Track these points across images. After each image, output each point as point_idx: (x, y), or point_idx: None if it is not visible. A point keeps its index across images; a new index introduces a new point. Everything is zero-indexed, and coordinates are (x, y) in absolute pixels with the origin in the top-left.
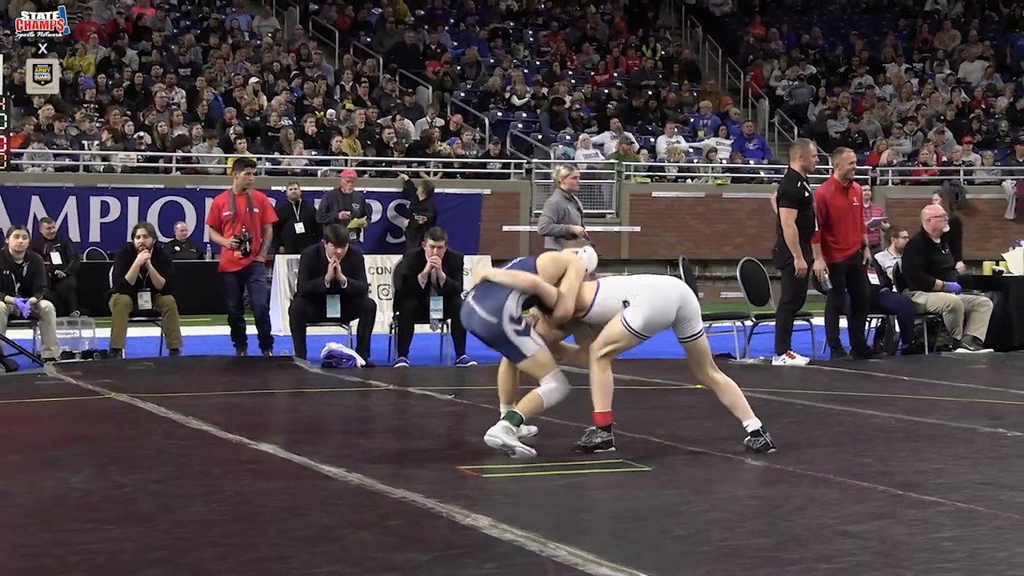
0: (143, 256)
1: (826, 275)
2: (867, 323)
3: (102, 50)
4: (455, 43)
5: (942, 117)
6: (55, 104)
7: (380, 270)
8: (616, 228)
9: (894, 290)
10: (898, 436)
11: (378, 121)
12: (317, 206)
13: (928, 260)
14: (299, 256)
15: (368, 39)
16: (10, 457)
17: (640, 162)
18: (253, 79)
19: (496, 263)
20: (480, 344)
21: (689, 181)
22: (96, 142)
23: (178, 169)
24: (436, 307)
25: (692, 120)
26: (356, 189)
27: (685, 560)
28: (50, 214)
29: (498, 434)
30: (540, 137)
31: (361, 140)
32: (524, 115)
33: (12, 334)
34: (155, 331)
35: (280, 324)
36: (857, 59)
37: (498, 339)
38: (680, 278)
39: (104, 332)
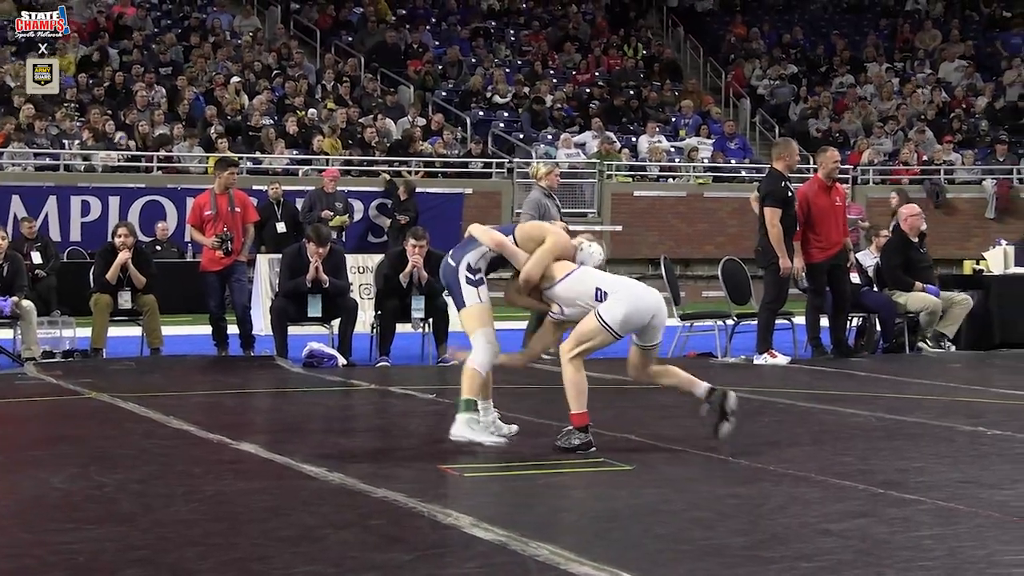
0: (124, 255)
1: (802, 274)
2: (848, 322)
3: (83, 49)
4: (437, 42)
5: (923, 117)
6: (36, 103)
7: (362, 269)
8: (598, 227)
9: (875, 289)
10: (879, 435)
11: (360, 120)
12: (299, 205)
13: (906, 259)
14: (280, 255)
15: (350, 38)
16: None
17: (622, 161)
18: (234, 78)
19: None
20: (462, 343)
21: (671, 180)
22: (77, 141)
23: (159, 169)
24: (418, 306)
25: (673, 119)
26: (338, 188)
27: (666, 559)
28: (31, 214)
29: (461, 431)
30: (522, 136)
31: (342, 140)
32: (506, 114)
33: None
34: (136, 331)
35: (261, 323)
36: (838, 59)
37: (451, 282)
38: (661, 277)
39: (85, 332)
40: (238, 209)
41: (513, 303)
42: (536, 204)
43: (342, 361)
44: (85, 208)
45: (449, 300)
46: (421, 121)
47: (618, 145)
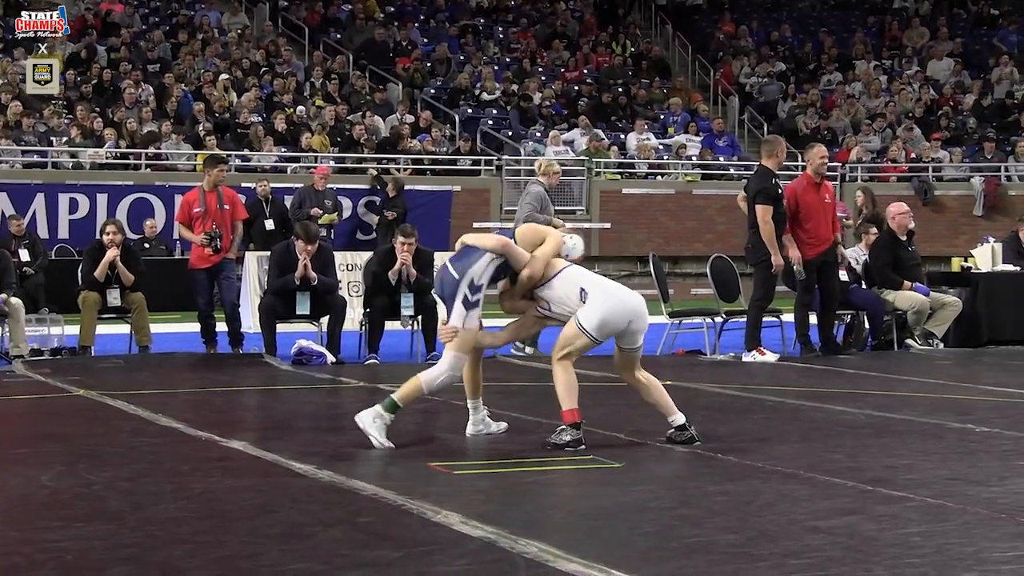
0: (112, 253)
1: (799, 267)
2: (836, 320)
3: (70, 46)
4: (425, 40)
5: (911, 114)
6: (23, 101)
7: (350, 267)
8: (586, 225)
9: (863, 287)
10: (867, 432)
11: (348, 118)
12: (287, 203)
13: (895, 257)
14: (269, 253)
15: (338, 36)
16: None
17: (610, 159)
18: (222, 76)
19: None
20: None
21: (659, 178)
22: (64, 139)
23: (147, 166)
24: (406, 304)
25: (662, 117)
26: (328, 186)
27: (655, 556)
28: (18, 211)
29: (364, 419)
30: (510, 134)
31: (331, 137)
32: (494, 112)
33: None
34: (124, 328)
35: (250, 321)
36: (826, 56)
37: (448, 294)
38: (650, 275)
39: (73, 329)
40: (227, 206)
41: (514, 310)
42: (539, 197)
43: (331, 359)
44: (73, 205)
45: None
46: (409, 118)
47: (607, 142)
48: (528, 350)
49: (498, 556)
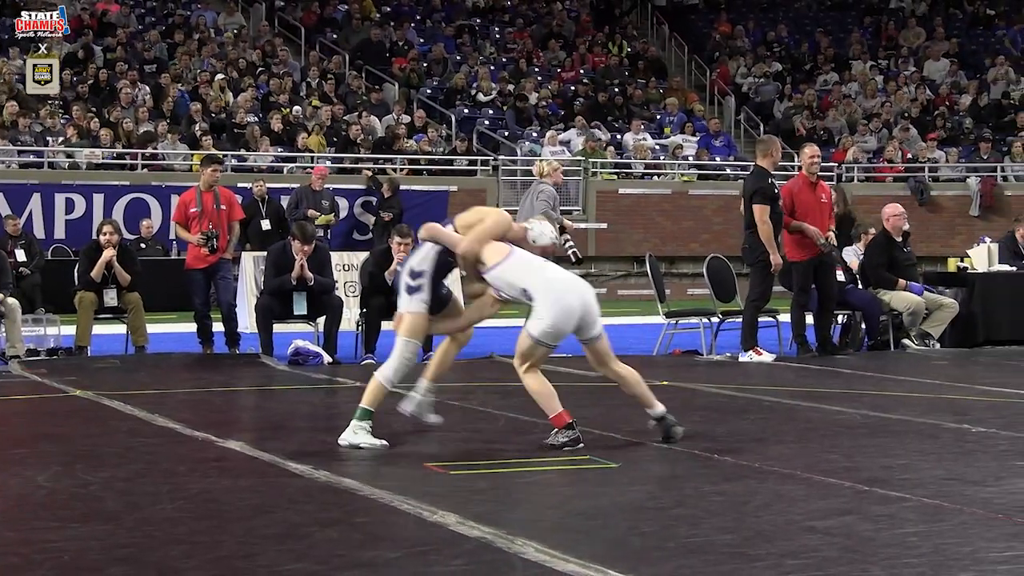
0: (109, 253)
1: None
2: (833, 320)
3: (67, 46)
4: (421, 40)
5: (907, 114)
6: (19, 100)
7: (347, 267)
8: (583, 225)
9: (859, 287)
10: (864, 432)
11: (344, 118)
12: (284, 203)
13: (890, 258)
14: (265, 253)
15: (334, 36)
16: None
17: (607, 159)
18: (219, 76)
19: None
20: None
21: (656, 178)
22: (61, 139)
23: (144, 166)
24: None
25: (658, 117)
26: (325, 186)
27: (652, 556)
28: (15, 211)
29: (347, 437)
30: (506, 134)
31: (327, 137)
32: (491, 112)
33: None
34: (121, 328)
35: (247, 321)
36: (822, 56)
37: (396, 285)
38: (647, 275)
39: (69, 329)
40: (223, 206)
41: (471, 293)
42: (552, 197)
43: (327, 359)
44: (69, 206)
45: None
46: (406, 119)
47: (604, 141)
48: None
49: (495, 556)
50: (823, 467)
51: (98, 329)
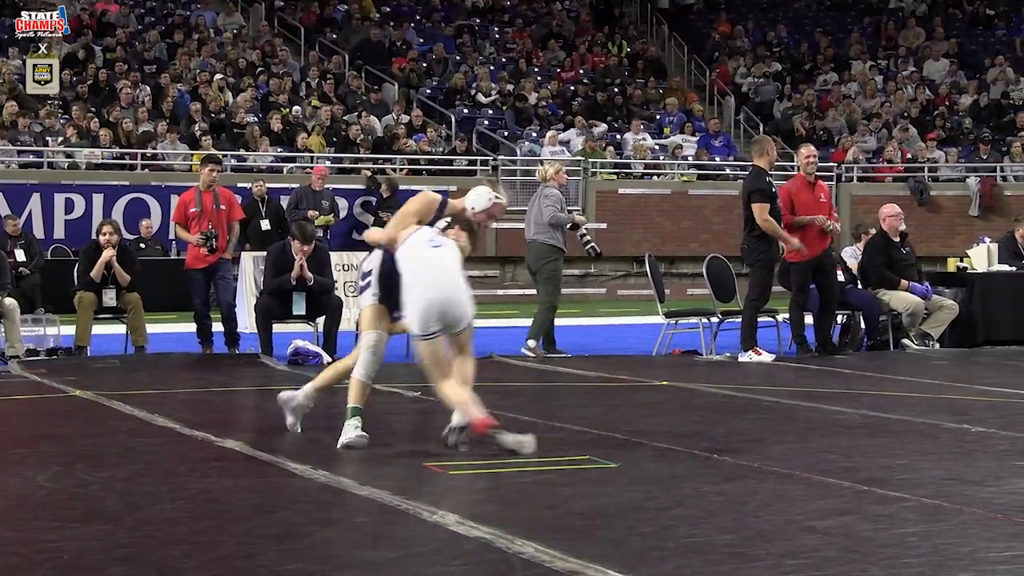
0: (108, 253)
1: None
2: (833, 320)
3: (66, 47)
4: (421, 40)
5: (906, 114)
6: (19, 100)
7: (346, 267)
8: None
9: (859, 287)
10: (863, 432)
11: (344, 118)
12: (283, 203)
13: (888, 258)
14: (265, 253)
15: (334, 36)
16: None
17: (606, 159)
18: (218, 76)
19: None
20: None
21: (655, 178)
22: (60, 139)
23: (143, 166)
24: None
25: (658, 117)
26: (325, 186)
27: (651, 556)
28: (14, 211)
29: (344, 438)
30: (506, 134)
31: (327, 137)
32: (490, 112)
33: None
34: (120, 328)
35: (246, 321)
36: (822, 56)
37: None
38: (646, 275)
39: (69, 329)
40: (223, 206)
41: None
42: (559, 199)
43: (327, 359)
44: (69, 206)
45: None
46: (405, 119)
47: (604, 129)
48: (532, 343)
49: (494, 556)
50: (822, 467)
51: (98, 329)
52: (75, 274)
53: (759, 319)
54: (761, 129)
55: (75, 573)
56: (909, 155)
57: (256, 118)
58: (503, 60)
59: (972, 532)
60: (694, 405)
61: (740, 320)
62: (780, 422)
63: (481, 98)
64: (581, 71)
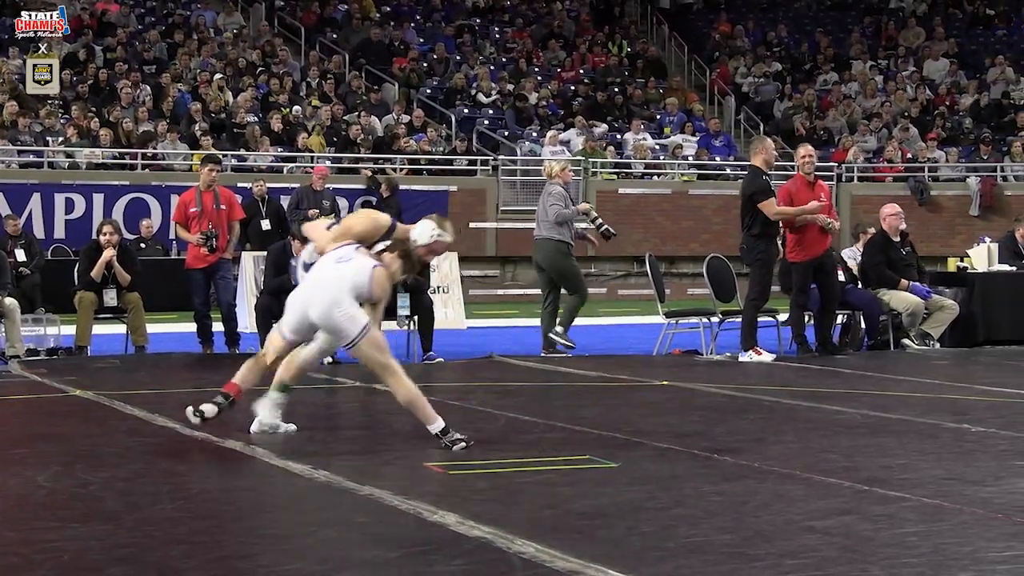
0: (109, 253)
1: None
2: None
3: (67, 46)
4: (421, 40)
5: (907, 114)
6: (19, 100)
7: None
8: (582, 225)
9: (859, 287)
10: (863, 432)
11: (344, 118)
12: (284, 203)
13: (888, 258)
14: (265, 253)
15: (334, 36)
16: None
17: (607, 159)
18: (218, 75)
19: (463, 260)
20: (447, 341)
21: (655, 178)
22: (61, 139)
23: (144, 166)
24: (403, 304)
25: (658, 117)
26: (326, 186)
27: (651, 556)
28: (14, 211)
29: (259, 411)
30: (506, 134)
31: (327, 137)
32: (491, 112)
33: None
34: (120, 328)
35: (247, 321)
36: (822, 56)
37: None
38: (647, 275)
39: (69, 329)
40: (223, 206)
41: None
42: (563, 197)
43: (327, 359)
44: (69, 205)
45: (435, 298)
46: (406, 118)
47: (605, 133)
48: (560, 330)
49: (495, 556)
50: (822, 467)
51: (98, 329)
52: (75, 274)
53: (759, 319)
54: (761, 129)
55: (75, 573)
56: (909, 155)
57: (256, 118)
58: (503, 60)
59: (972, 532)
60: (694, 405)
61: (740, 320)
62: (780, 422)
63: (481, 98)
64: (581, 71)
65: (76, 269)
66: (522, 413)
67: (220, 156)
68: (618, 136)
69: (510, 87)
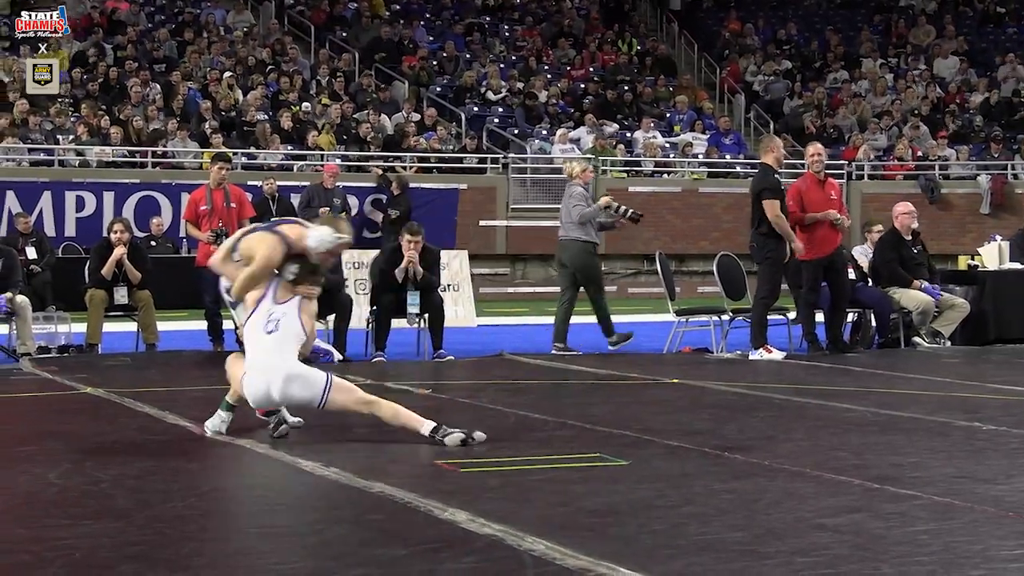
0: (119, 251)
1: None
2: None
3: (77, 45)
4: (431, 38)
5: (917, 112)
6: (30, 99)
7: (357, 265)
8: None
9: (870, 285)
10: (874, 430)
11: (354, 116)
12: (294, 201)
13: (900, 256)
14: None
15: (344, 34)
16: None
17: (616, 157)
18: (228, 74)
19: (473, 258)
20: (458, 339)
21: (665, 176)
22: (71, 137)
23: (154, 164)
24: (413, 302)
25: (668, 115)
26: (336, 184)
27: (662, 554)
28: (25, 209)
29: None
30: (516, 132)
31: (337, 135)
32: (500, 110)
33: None
34: (131, 326)
35: None
36: (832, 54)
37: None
38: (657, 273)
39: (80, 327)
40: (234, 204)
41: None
42: (585, 197)
43: (338, 356)
44: (80, 203)
45: (445, 296)
46: (416, 117)
47: (615, 131)
48: (614, 338)
49: (505, 554)
50: (833, 465)
51: (109, 327)
52: (86, 272)
53: (770, 317)
54: (771, 127)
55: (86, 570)
56: (920, 153)
57: (266, 116)
58: (513, 58)
59: (983, 530)
60: (704, 403)
61: (750, 318)
62: (791, 420)
63: (491, 96)
64: (591, 69)
65: (87, 267)
66: (532, 411)
67: (230, 154)
68: (628, 134)
69: (520, 85)
